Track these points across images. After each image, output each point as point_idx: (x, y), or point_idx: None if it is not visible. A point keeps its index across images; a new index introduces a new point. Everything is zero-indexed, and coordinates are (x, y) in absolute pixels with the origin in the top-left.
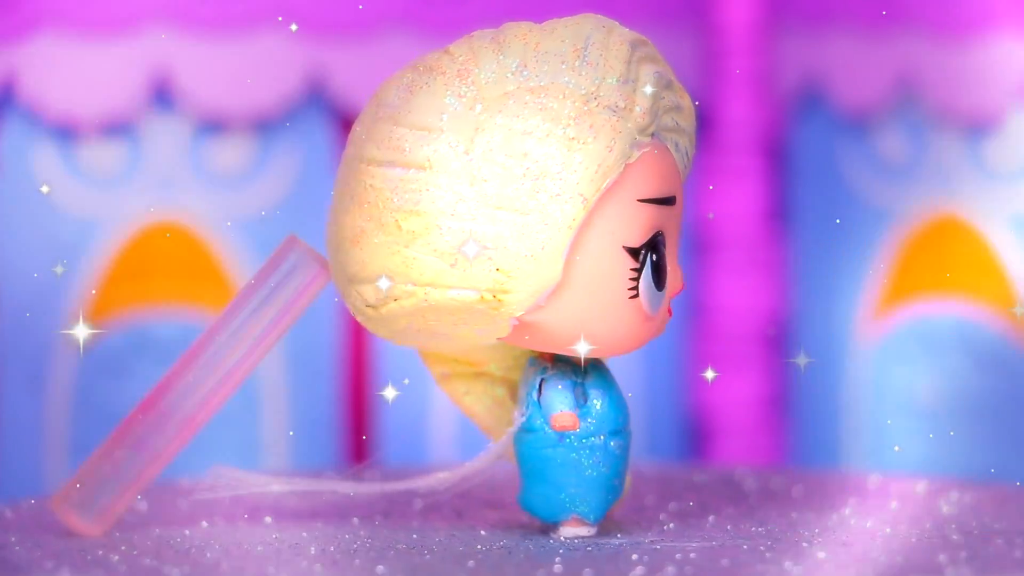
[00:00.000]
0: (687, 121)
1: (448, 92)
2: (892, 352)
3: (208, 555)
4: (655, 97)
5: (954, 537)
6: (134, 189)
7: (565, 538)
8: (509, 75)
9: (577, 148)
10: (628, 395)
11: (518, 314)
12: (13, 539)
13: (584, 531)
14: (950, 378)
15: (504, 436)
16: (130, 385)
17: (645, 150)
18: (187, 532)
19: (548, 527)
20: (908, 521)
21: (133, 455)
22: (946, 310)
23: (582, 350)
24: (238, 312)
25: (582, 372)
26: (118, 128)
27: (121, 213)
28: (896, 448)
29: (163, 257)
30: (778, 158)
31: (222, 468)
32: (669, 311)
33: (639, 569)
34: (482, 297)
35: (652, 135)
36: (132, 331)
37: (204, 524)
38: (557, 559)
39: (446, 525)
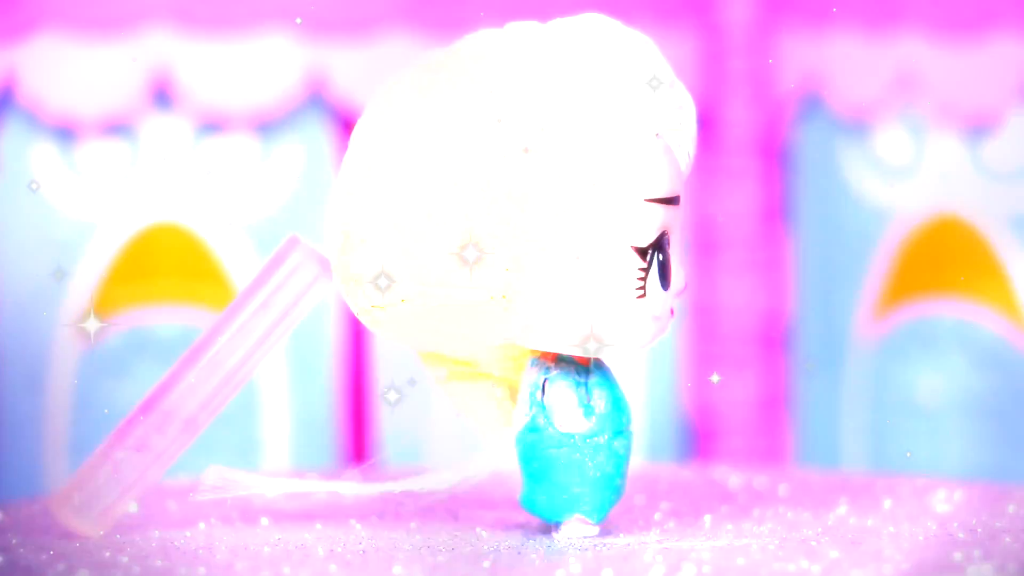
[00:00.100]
0: (689, 120)
1: (454, 92)
2: (892, 352)
3: (217, 556)
4: (661, 96)
5: (960, 535)
6: (134, 189)
7: (568, 538)
8: (515, 75)
9: (584, 147)
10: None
11: (526, 314)
12: (14, 541)
13: (587, 531)
14: (950, 378)
15: (507, 436)
16: (130, 385)
17: (651, 149)
18: (188, 534)
19: (549, 527)
20: (910, 520)
21: (134, 456)
22: (946, 310)
23: (590, 350)
24: (240, 312)
25: (585, 372)
26: (118, 128)
27: (121, 213)
28: (908, 454)
29: (163, 257)
30: (778, 158)
31: (219, 469)
32: (671, 311)
33: (659, 568)
34: (492, 297)
35: (657, 135)
36: (132, 331)
37: (202, 526)
38: (572, 559)
39: (445, 526)
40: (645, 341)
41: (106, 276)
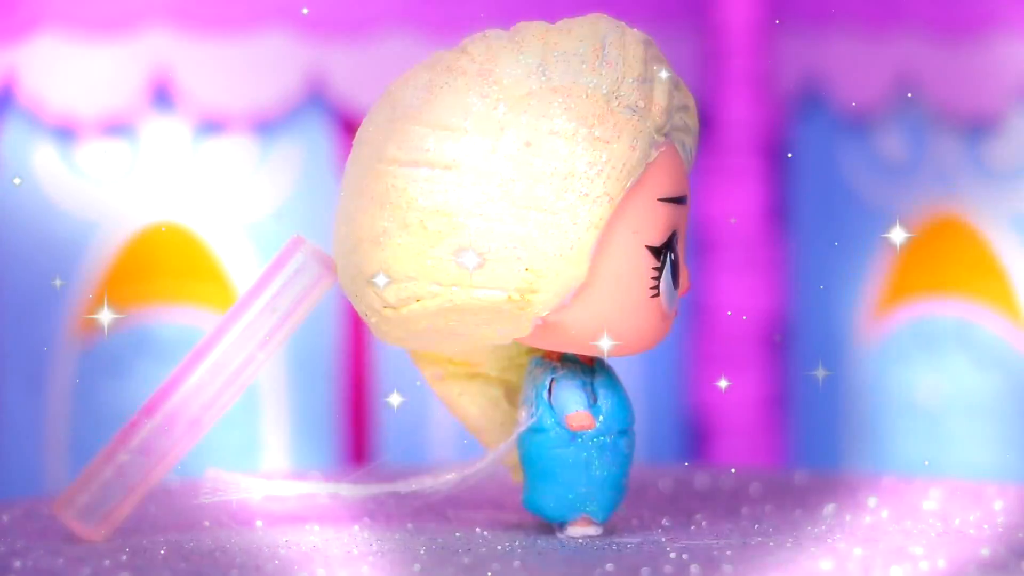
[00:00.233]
0: (693, 120)
1: (470, 91)
2: (892, 352)
3: (238, 559)
4: (671, 96)
5: (971, 531)
6: (134, 189)
7: (573, 538)
8: (531, 75)
9: (602, 147)
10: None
11: (543, 314)
12: (19, 544)
13: (592, 531)
14: (950, 378)
15: (511, 435)
16: (130, 385)
17: (662, 149)
18: (192, 536)
19: (549, 526)
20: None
21: (138, 458)
22: (946, 310)
23: (605, 349)
24: (244, 313)
25: (590, 372)
26: (118, 128)
27: (121, 213)
28: (925, 463)
29: (163, 257)
30: (778, 158)
31: (217, 472)
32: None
33: (694, 568)
34: (509, 297)
35: (665, 134)
36: (132, 331)
37: (207, 524)
38: (600, 558)
39: (443, 527)
40: (658, 340)
41: (106, 276)
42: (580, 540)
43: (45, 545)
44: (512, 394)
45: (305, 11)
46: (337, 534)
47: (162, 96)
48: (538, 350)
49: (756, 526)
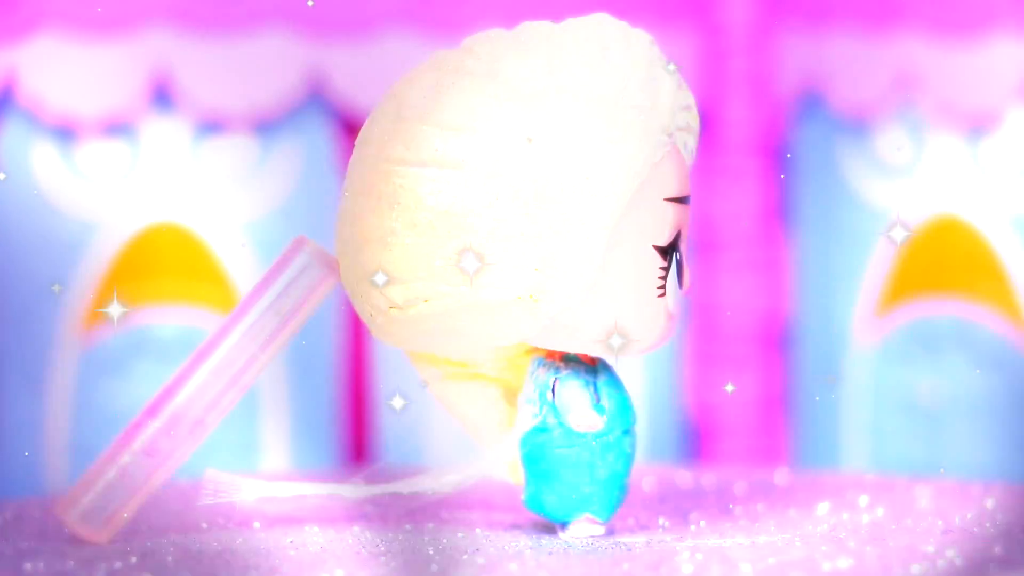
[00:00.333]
0: (695, 120)
1: (478, 92)
2: (892, 352)
3: (250, 560)
4: (675, 96)
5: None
6: (134, 189)
7: (576, 537)
8: (538, 75)
9: (611, 147)
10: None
11: (552, 314)
12: (25, 545)
13: (594, 530)
14: (950, 378)
15: (512, 435)
16: (130, 385)
17: (667, 149)
18: (195, 538)
19: (552, 527)
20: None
21: (142, 460)
22: (946, 310)
23: (615, 349)
24: (247, 313)
25: (593, 372)
26: (118, 128)
27: (121, 213)
28: (941, 471)
29: (163, 257)
30: (778, 158)
31: (216, 474)
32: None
33: (717, 569)
34: (519, 297)
35: (669, 134)
36: (132, 331)
37: (204, 526)
38: (612, 558)
39: (445, 528)
40: (664, 340)
41: (106, 276)
42: (584, 540)
43: (51, 547)
44: (510, 394)
45: (311, 2)
46: (338, 535)
47: (162, 96)
48: (539, 350)
49: (755, 524)
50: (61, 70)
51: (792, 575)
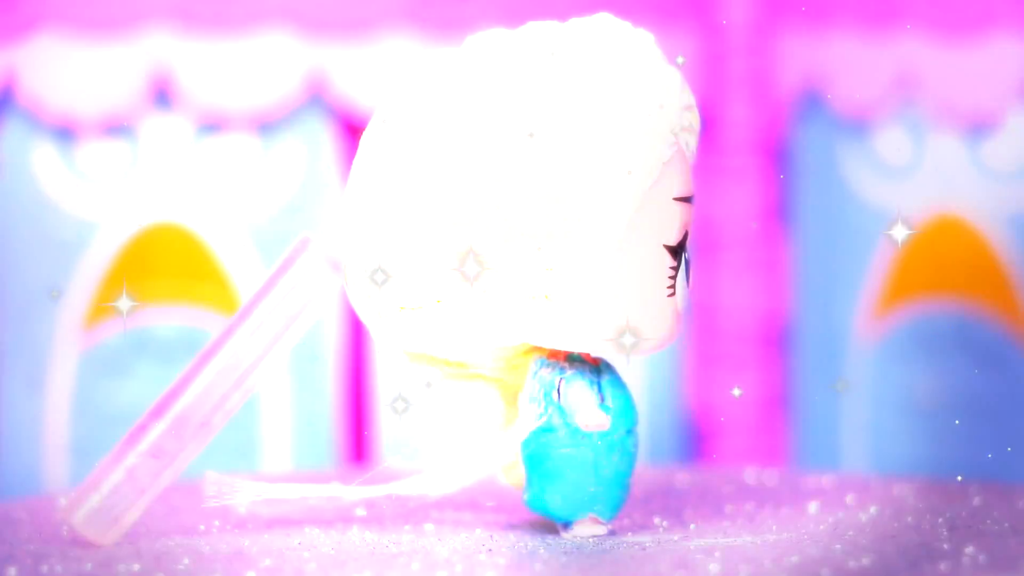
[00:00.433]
0: (696, 120)
1: (486, 92)
2: (892, 352)
3: (267, 561)
4: (681, 95)
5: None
6: (134, 189)
7: (580, 537)
8: (544, 75)
9: (627, 146)
10: None
11: (564, 313)
12: (32, 548)
13: (598, 530)
14: (950, 378)
15: (513, 435)
16: (130, 385)
17: (674, 149)
18: (204, 540)
19: (554, 527)
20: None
21: (149, 462)
22: (946, 310)
23: (627, 348)
24: (252, 314)
25: (597, 372)
26: (118, 128)
27: (121, 213)
28: (959, 478)
29: (163, 257)
30: (778, 158)
31: (216, 476)
32: None
33: (744, 568)
34: (532, 297)
35: (675, 134)
36: (132, 331)
37: (201, 528)
38: (628, 558)
39: (445, 529)
40: (672, 339)
41: (106, 276)
42: (589, 540)
43: (61, 549)
44: (508, 395)
45: None
46: (348, 537)
47: (162, 96)
48: (542, 350)
49: (753, 523)
50: (61, 70)
51: (822, 572)
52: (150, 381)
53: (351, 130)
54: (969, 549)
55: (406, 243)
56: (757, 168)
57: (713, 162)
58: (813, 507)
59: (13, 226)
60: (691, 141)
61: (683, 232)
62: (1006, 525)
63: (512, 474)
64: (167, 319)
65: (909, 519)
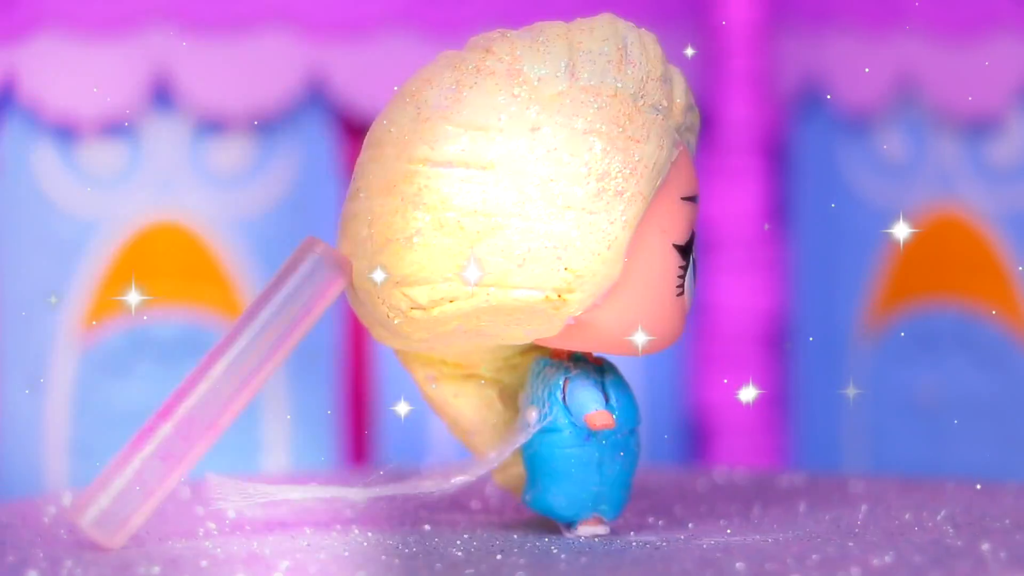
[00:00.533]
0: (697, 120)
1: (501, 92)
2: (892, 352)
3: (285, 563)
4: (686, 95)
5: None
6: (134, 189)
7: (584, 537)
8: (559, 75)
9: (634, 147)
10: None
11: (577, 313)
12: (41, 554)
13: (601, 530)
14: (950, 378)
15: (510, 435)
16: (130, 385)
17: (680, 149)
18: (214, 542)
19: (554, 526)
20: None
21: (155, 464)
22: (946, 310)
23: (637, 346)
24: (258, 315)
25: (600, 372)
26: (118, 128)
27: (121, 213)
28: (978, 487)
29: (163, 257)
30: (778, 158)
31: (218, 478)
32: None
33: (769, 566)
34: (547, 297)
35: (680, 133)
36: (132, 331)
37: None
38: (646, 558)
39: (446, 529)
40: (677, 338)
41: (106, 276)
42: (594, 539)
43: (74, 553)
44: (506, 395)
45: None
46: (347, 537)
47: (162, 96)
48: (544, 350)
49: (755, 522)
50: (61, 70)
51: (852, 570)
52: (150, 381)
53: (351, 130)
54: (985, 546)
55: (420, 244)
56: (757, 168)
57: (713, 162)
58: (813, 507)
59: (13, 226)
60: (692, 141)
61: (691, 231)
62: (1007, 522)
63: (503, 474)
64: (167, 319)
65: (907, 516)
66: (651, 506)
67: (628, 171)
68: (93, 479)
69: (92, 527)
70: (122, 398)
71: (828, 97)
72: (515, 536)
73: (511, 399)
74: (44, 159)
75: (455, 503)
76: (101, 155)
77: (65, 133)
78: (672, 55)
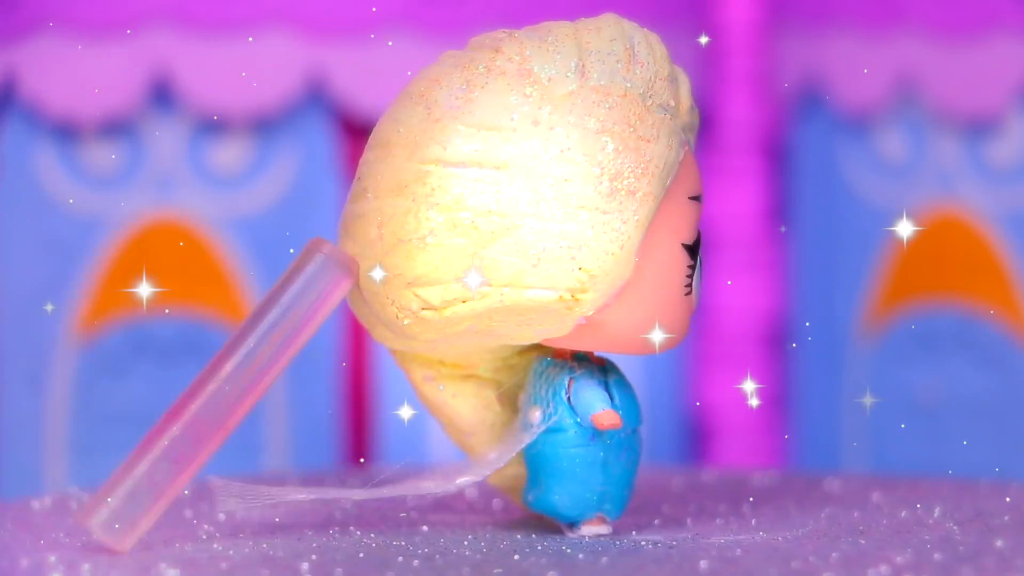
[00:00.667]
0: (698, 120)
1: (512, 92)
2: (892, 352)
3: (304, 564)
4: (689, 95)
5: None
6: (134, 189)
7: (589, 537)
8: (569, 75)
9: (645, 147)
10: None
11: (589, 313)
12: (54, 559)
13: (604, 529)
14: (950, 378)
15: (510, 435)
16: (130, 385)
17: (686, 148)
18: (224, 544)
19: (553, 526)
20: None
21: (164, 466)
22: (946, 310)
23: (654, 344)
24: (266, 316)
25: (603, 371)
26: (118, 128)
27: (121, 213)
28: (1007, 500)
29: (163, 257)
30: (778, 158)
31: (220, 480)
32: None
33: (795, 564)
34: (561, 297)
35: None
36: (132, 331)
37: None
38: (664, 558)
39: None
40: (682, 338)
41: (106, 276)
42: (599, 539)
43: (91, 556)
44: (504, 395)
45: None
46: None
47: (162, 96)
48: (546, 350)
49: (754, 521)
50: (61, 70)
51: (881, 568)
52: (150, 381)
53: (351, 130)
54: (999, 543)
55: (433, 244)
56: (757, 168)
57: (713, 162)
58: (802, 506)
59: (13, 226)
60: (692, 140)
61: (697, 230)
62: (1006, 519)
63: (498, 474)
64: (167, 319)
65: (903, 514)
66: (640, 505)
67: (640, 171)
68: (97, 481)
69: (102, 530)
70: (122, 398)
71: (828, 97)
72: (519, 536)
73: (509, 399)
74: (44, 159)
75: (439, 504)
76: (101, 155)
77: (65, 133)
78: (674, 53)
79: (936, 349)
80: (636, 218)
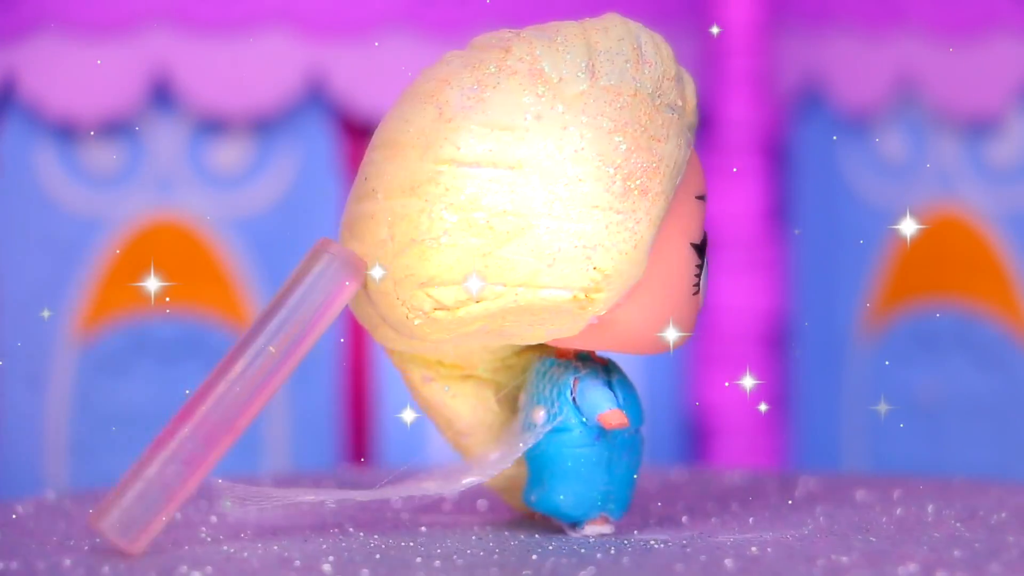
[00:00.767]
0: (697, 120)
1: (525, 91)
2: (892, 352)
3: (325, 567)
4: (694, 95)
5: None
6: (134, 189)
7: (592, 537)
8: (580, 74)
9: (656, 146)
10: None
11: (602, 313)
12: (69, 562)
13: (607, 529)
14: (950, 378)
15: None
16: (130, 385)
17: (691, 147)
18: (230, 548)
19: (553, 526)
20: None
21: (175, 468)
22: (946, 310)
23: (668, 343)
24: (274, 318)
25: (607, 371)
26: (118, 128)
27: (121, 213)
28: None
29: (163, 257)
30: (778, 158)
31: (222, 482)
32: None
33: (821, 561)
34: (575, 296)
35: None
36: (132, 331)
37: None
38: (679, 557)
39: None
40: (688, 337)
41: (106, 276)
42: (601, 538)
43: (106, 559)
44: (502, 396)
45: None
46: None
47: (162, 96)
48: (549, 349)
49: (751, 520)
50: (61, 70)
51: (909, 565)
52: (150, 381)
53: (351, 130)
54: (1011, 538)
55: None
56: (757, 168)
57: (713, 162)
58: (797, 505)
59: (13, 226)
60: (692, 139)
61: (703, 230)
62: (1003, 515)
63: (500, 477)
64: (167, 319)
65: (899, 511)
66: (634, 505)
67: (651, 170)
68: (98, 481)
69: (114, 532)
70: (122, 398)
71: (828, 98)
72: (522, 536)
73: (508, 400)
74: (44, 159)
75: (426, 505)
76: (101, 155)
77: (65, 133)
78: (675, 53)
79: (936, 349)
80: (649, 217)
